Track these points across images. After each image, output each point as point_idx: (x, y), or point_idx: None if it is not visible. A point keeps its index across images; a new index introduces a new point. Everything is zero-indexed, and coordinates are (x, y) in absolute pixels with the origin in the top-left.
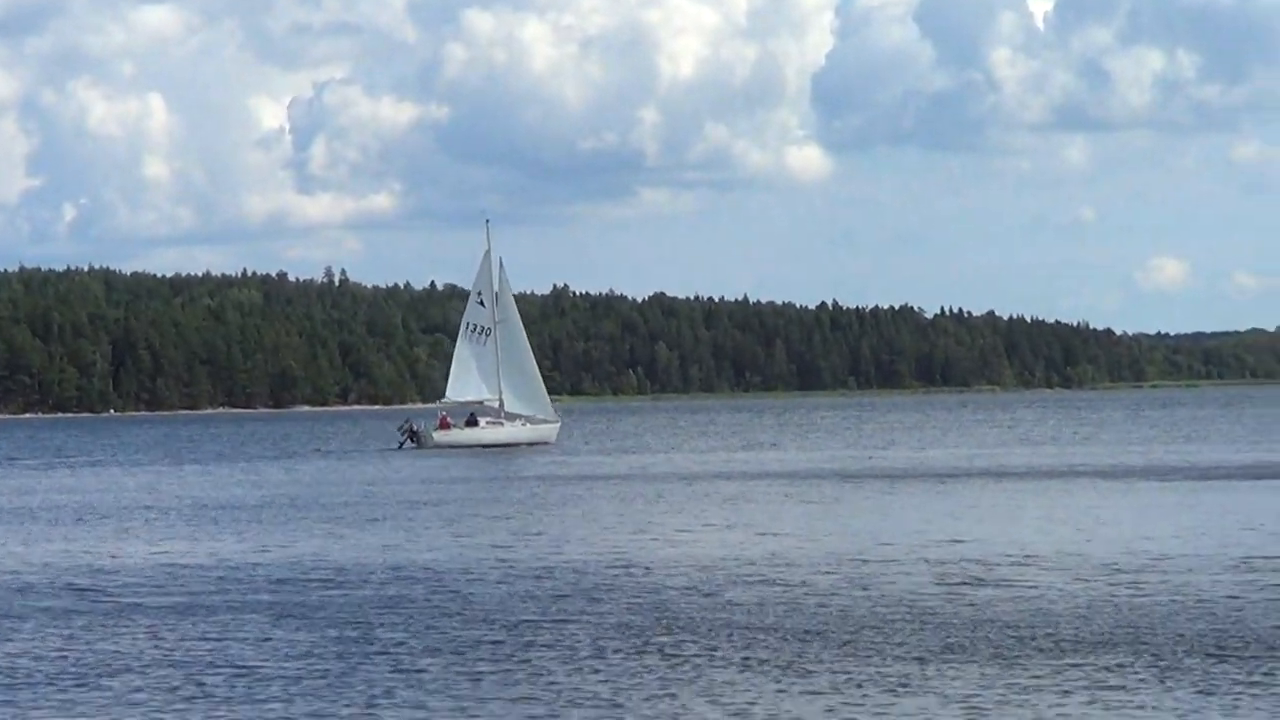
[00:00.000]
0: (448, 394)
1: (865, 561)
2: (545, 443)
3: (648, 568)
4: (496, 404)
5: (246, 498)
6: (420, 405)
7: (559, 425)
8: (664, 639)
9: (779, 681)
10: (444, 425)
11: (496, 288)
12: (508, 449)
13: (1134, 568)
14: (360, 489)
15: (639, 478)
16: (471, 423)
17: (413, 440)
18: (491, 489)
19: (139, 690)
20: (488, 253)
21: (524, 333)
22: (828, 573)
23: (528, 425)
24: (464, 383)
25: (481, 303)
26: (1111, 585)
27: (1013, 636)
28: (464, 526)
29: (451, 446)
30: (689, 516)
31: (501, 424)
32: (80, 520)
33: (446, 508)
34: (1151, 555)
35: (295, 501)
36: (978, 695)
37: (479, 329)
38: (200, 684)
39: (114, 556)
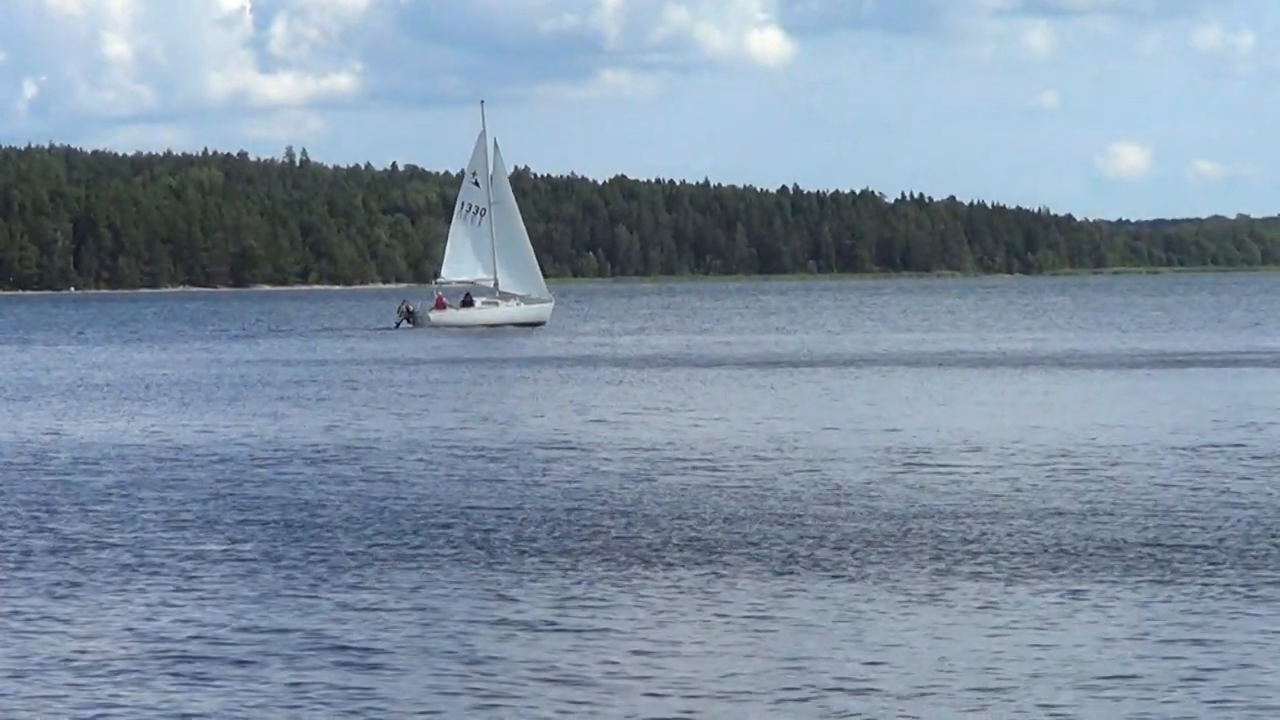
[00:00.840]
0: (443, 274)
1: (811, 447)
2: (539, 322)
3: (590, 450)
4: (491, 284)
5: (224, 376)
6: (381, 285)
7: (552, 305)
8: (609, 523)
9: (717, 568)
10: (440, 305)
11: (491, 169)
12: (502, 328)
13: (1084, 455)
14: (331, 369)
15: (605, 361)
16: (467, 303)
17: (409, 320)
18: (452, 370)
19: (86, 570)
20: (483, 133)
21: (519, 213)
22: (771, 458)
23: (522, 305)
24: (459, 263)
25: (476, 183)
26: (1060, 473)
27: (957, 525)
28: (418, 406)
29: (447, 326)
30: (641, 399)
31: (496, 304)
32: (27, 398)
33: (401, 388)
34: (1101, 442)
35: (281, 380)
36: (917, 585)
37: (474, 209)
38: (153, 566)
39: (57, 434)
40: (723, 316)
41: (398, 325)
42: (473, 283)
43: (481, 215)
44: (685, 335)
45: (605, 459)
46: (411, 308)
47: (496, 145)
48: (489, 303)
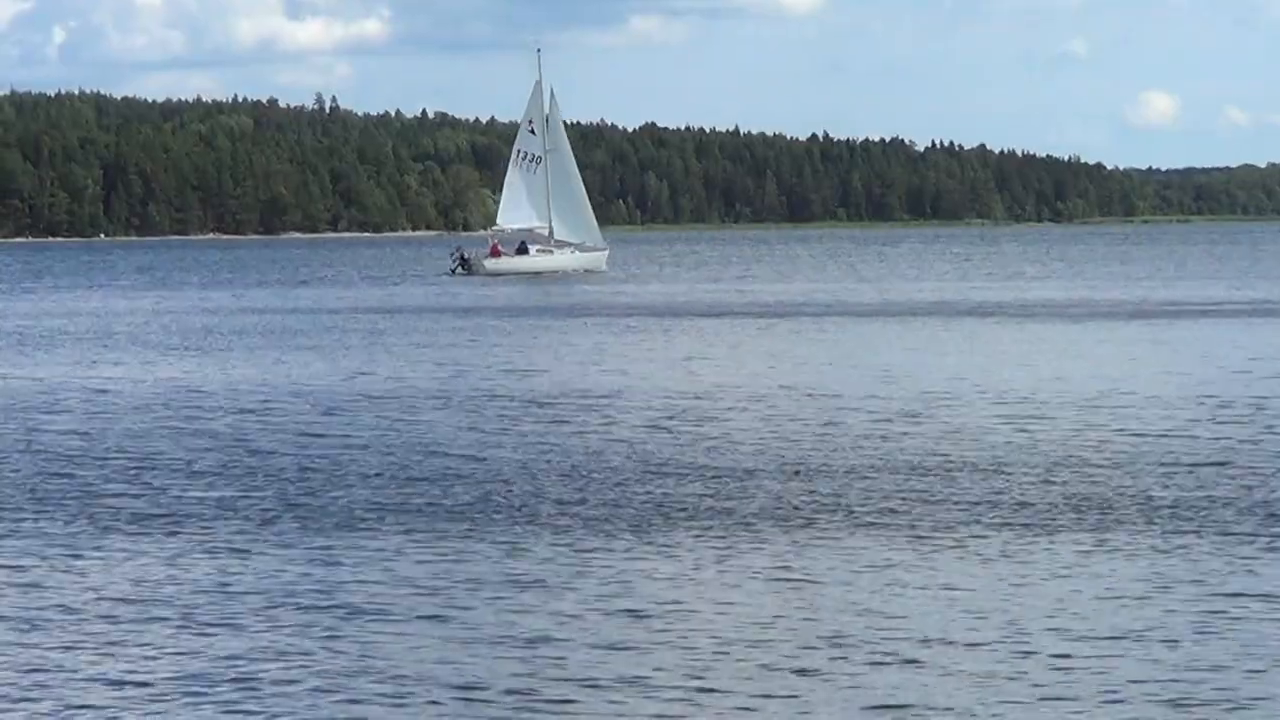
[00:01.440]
0: (499, 221)
1: (825, 397)
2: (595, 270)
3: (608, 400)
4: (546, 231)
5: (296, 324)
6: (410, 233)
7: (608, 253)
8: (626, 477)
9: (736, 522)
10: (495, 252)
11: (548, 116)
12: (557, 275)
13: (1102, 405)
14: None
15: (638, 309)
16: (522, 250)
17: (464, 267)
18: (484, 318)
19: (98, 520)
20: (539, 82)
21: (574, 162)
22: (787, 410)
23: (577, 253)
24: (515, 210)
25: (532, 131)
26: (1080, 423)
27: (974, 476)
28: (445, 355)
29: (502, 274)
30: (656, 348)
31: (551, 251)
32: (51, 345)
33: (424, 335)
34: (1119, 391)
35: (335, 327)
36: (936, 537)
37: (530, 157)
38: (164, 516)
39: (81, 380)
40: (745, 264)
41: (453, 272)
42: (529, 230)
43: (537, 163)
44: (713, 283)
45: (623, 411)
46: (467, 255)
47: (553, 93)
48: (544, 250)
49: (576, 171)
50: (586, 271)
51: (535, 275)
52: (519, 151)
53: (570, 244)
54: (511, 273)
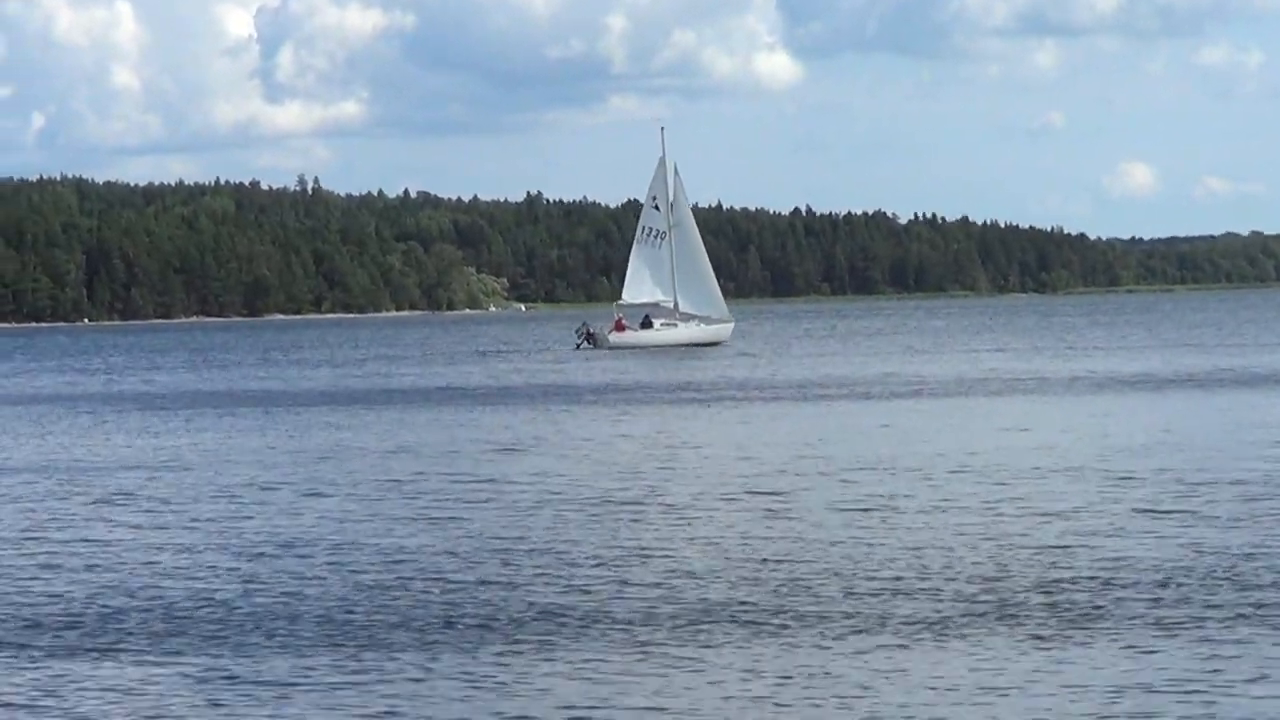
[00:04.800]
0: (624, 296)
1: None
2: (719, 342)
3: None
4: (671, 305)
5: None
6: (394, 313)
7: (733, 325)
8: (566, 582)
9: (699, 628)
10: (619, 327)
11: (672, 193)
12: (683, 349)
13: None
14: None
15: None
16: (646, 324)
17: (589, 342)
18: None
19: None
20: (662, 159)
21: (699, 236)
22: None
23: (701, 325)
24: (639, 285)
25: (656, 207)
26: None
27: (925, 565)
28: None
29: (627, 348)
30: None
31: (676, 325)
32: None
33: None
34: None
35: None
36: (885, 637)
37: (654, 232)
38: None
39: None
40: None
41: (578, 347)
42: (654, 304)
43: (662, 239)
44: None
45: (541, 489)
46: (591, 330)
47: (676, 170)
48: (668, 324)
49: (701, 246)
50: (712, 344)
51: (659, 349)
52: (644, 227)
53: (695, 317)
54: (636, 346)
